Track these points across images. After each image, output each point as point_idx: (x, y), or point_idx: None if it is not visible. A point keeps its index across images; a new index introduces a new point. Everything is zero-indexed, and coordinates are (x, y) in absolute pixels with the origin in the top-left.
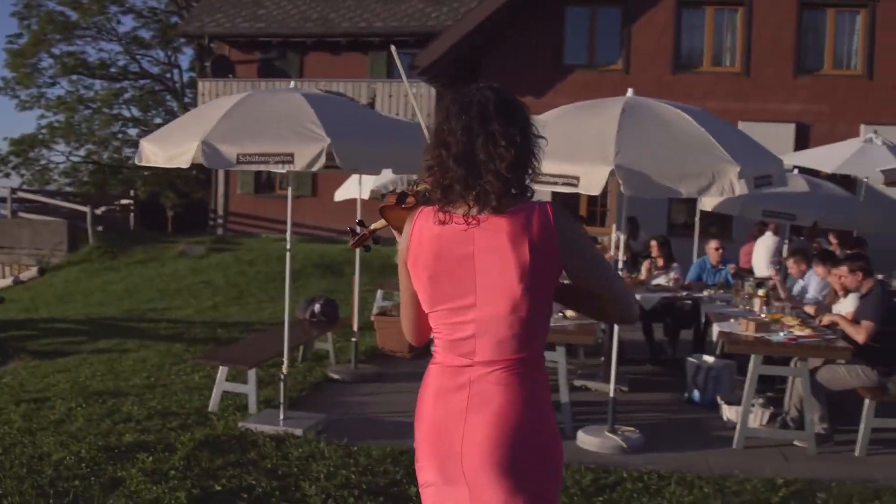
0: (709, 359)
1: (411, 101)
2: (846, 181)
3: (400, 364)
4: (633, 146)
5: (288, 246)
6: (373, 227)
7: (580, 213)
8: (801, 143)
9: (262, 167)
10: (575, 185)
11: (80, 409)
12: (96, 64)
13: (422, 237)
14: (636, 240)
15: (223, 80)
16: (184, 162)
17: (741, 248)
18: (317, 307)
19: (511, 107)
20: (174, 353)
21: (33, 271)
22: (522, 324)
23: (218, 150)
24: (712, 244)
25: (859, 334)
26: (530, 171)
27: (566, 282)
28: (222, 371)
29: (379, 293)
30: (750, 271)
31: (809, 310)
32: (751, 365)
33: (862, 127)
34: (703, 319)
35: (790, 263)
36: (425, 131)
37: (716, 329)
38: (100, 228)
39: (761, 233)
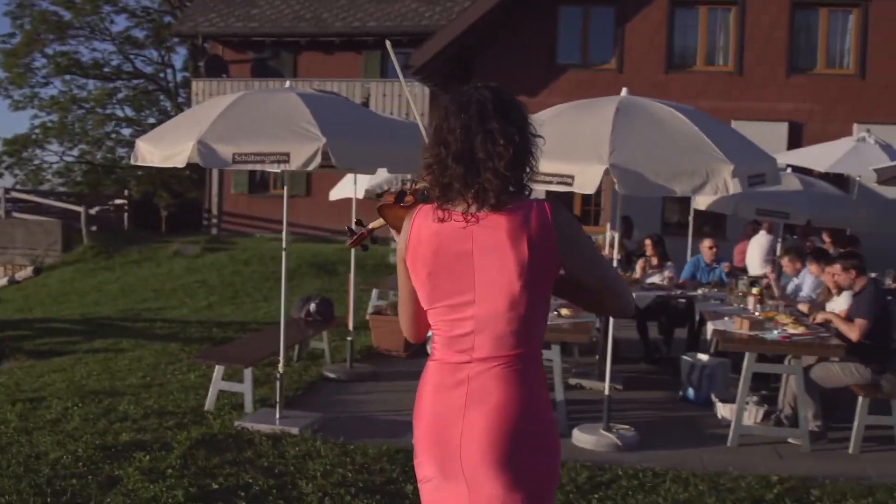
0: (703, 357)
1: (407, 96)
2: (839, 180)
3: (395, 363)
4: (628, 145)
5: (284, 245)
6: (371, 226)
7: (574, 213)
8: (794, 142)
9: (258, 167)
10: (570, 184)
11: (76, 409)
12: (90, 64)
13: (421, 235)
14: (630, 239)
15: (217, 80)
16: (180, 161)
17: (735, 246)
18: (312, 306)
19: (509, 106)
20: (170, 352)
21: (29, 271)
22: (521, 320)
23: (214, 150)
24: (706, 243)
25: (853, 332)
26: (528, 170)
27: (562, 272)
28: (218, 370)
29: (374, 292)
30: (744, 270)
31: (803, 308)
32: (745, 363)
33: (855, 126)
34: (697, 318)
35: (785, 262)
36: (422, 129)
37: (710, 327)
38: (94, 228)
39: (755, 231)
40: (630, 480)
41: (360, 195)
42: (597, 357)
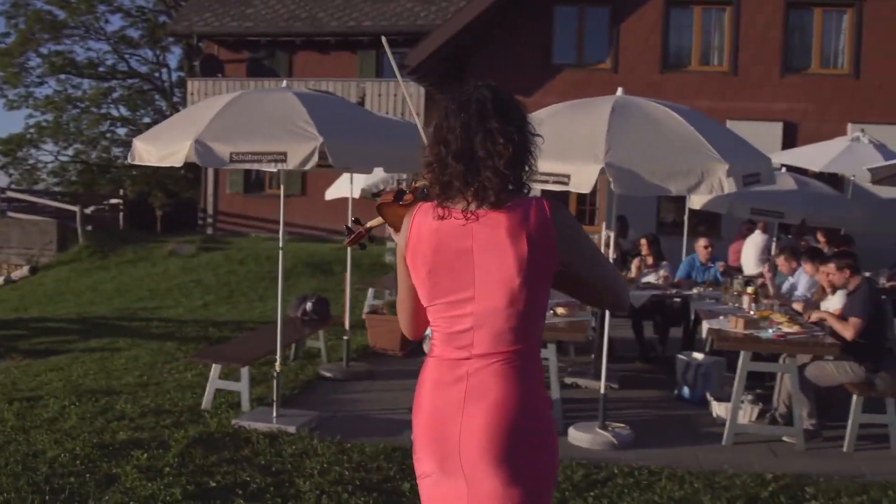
0: (698, 356)
1: (403, 93)
2: (834, 179)
3: (391, 362)
4: (624, 145)
5: (281, 244)
6: (368, 224)
7: None
8: (789, 141)
9: (256, 166)
10: (566, 183)
11: (73, 408)
12: (84, 63)
13: (421, 232)
14: (626, 238)
15: (212, 80)
16: (177, 161)
17: (730, 246)
18: (309, 305)
19: (508, 105)
20: (166, 351)
21: (25, 270)
22: (519, 316)
23: (211, 149)
24: (701, 242)
25: (847, 331)
26: (527, 168)
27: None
28: (215, 369)
29: (370, 292)
30: (739, 269)
31: (797, 307)
32: (740, 361)
33: (849, 125)
34: (692, 317)
35: (780, 261)
36: (420, 127)
37: (705, 326)
38: (89, 228)
39: (750, 231)
40: (626, 478)
41: (357, 195)
42: (592, 356)
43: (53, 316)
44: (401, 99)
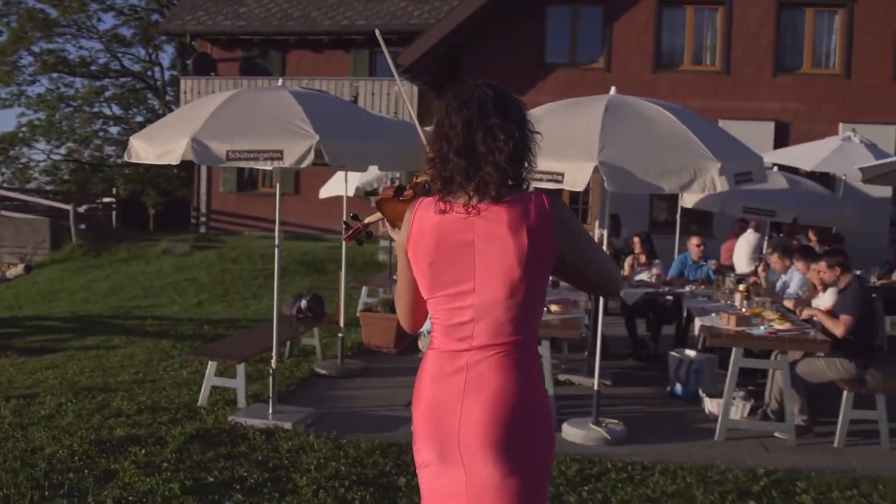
0: (691, 353)
1: (399, 89)
2: (825, 179)
3: (386, 359)
4: (617, 143)
5: (276, 242)
6: (367, 220)
7: None
8: (781, 141)
9: (252, 164)
10: (560, 182)
11: (70, 405)
12: (77, 62)
13: (422, 226)
14: (618, 237)
15: (206, 78)
16: (174, 159)
17: (722, 244)
18: (303, 303)
19: (509, 103)
20: (161, 349)
21: (20, 268)
22: (518, 307)
23: (207, 147)
24: (694, 240)
25: (837, 328)
26: (527, 164)
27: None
28: (211, 366)
29: (364, 290)
30: (731, 267)
31: (789, 304)
32: (732, 358)
33: (840, 125)
34: (684, 314)
35: (774, 258)
36: (416, 124)
37: (697, 323)
38: (82, 226)
39: (742, 230)
40: (619, 473)
41: (351, 193)
42: (586, 353)
43: (48, 314)
44: (394, 98)
